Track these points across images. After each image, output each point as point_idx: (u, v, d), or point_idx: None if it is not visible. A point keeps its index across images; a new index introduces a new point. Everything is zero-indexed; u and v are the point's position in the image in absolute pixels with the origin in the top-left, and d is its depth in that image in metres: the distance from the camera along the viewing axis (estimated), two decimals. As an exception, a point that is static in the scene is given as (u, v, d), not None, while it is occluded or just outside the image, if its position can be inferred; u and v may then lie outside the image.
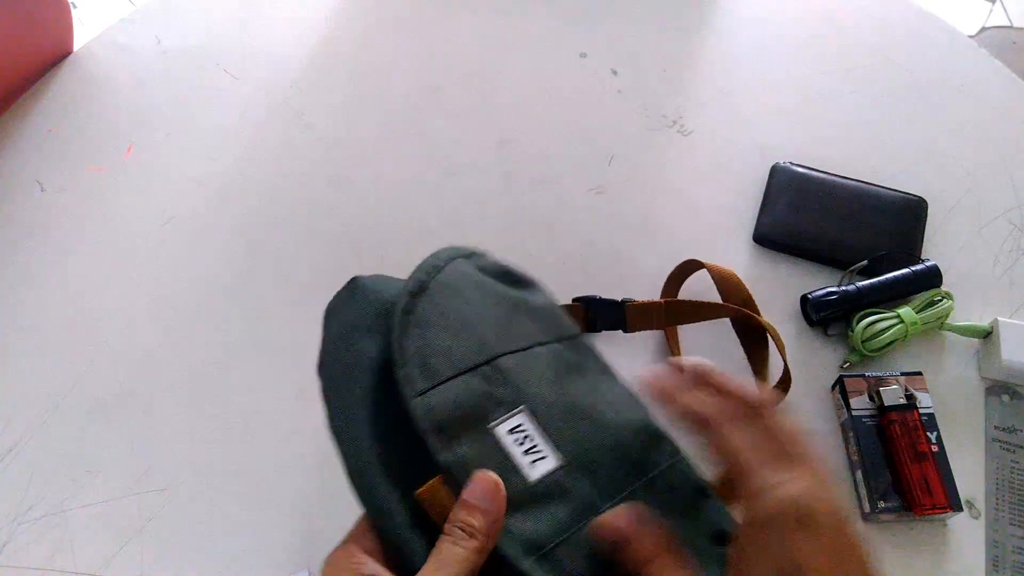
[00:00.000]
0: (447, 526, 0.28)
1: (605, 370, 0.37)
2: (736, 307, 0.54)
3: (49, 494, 0.52)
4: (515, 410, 0.32)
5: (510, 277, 0.40)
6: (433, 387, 0.31)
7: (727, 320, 0.56)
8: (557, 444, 0.32)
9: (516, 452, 0.31)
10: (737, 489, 0.28)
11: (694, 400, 0.31)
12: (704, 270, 0.56)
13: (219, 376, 0.57)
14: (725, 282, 0.55)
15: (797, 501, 0.26)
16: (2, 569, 0.49)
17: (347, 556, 0.29)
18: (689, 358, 0.34)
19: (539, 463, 0.31)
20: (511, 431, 0.31)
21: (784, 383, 0.52)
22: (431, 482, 0.29)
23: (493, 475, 0.29)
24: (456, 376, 0.32)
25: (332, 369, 0.35)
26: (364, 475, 0.30)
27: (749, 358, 0.55)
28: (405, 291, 0.34)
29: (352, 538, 0.30)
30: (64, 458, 0.53)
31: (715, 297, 0.55)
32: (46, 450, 0.54)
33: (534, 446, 0.31)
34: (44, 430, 0.54)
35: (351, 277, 0.38)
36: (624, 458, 0.32)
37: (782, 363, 0.53)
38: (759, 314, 0.54)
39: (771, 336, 0.53)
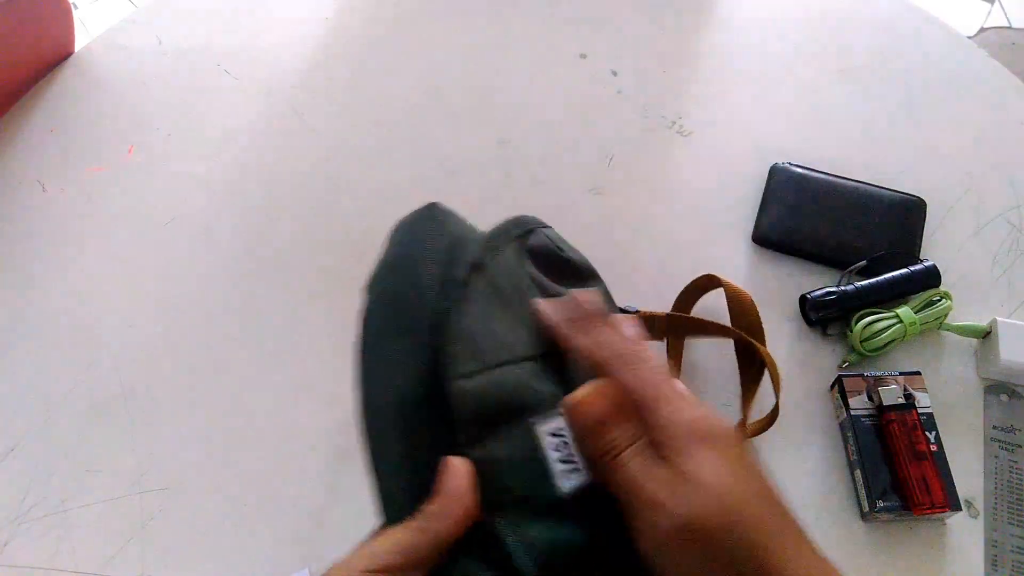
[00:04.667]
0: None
1: None
2: (738, 332, 0.53)
3: (50, 494, 0.52)
4: (558, 412, 0.29)
5: (566, 270, 0.37)
6: (479, 371, 0.28)
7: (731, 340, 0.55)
8: None
9: (553, 457, 0.28)
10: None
11: (587, 343, 0.30)
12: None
13: (220, 376, 0.57)
14: (737, 303, 0.54)
15: (696, 423, 0.26)
16: (3, 568, 0.49)
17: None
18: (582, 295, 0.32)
19: (573, 475, 0.28)
20: (553, 434, 0.28)
21: (771, 418, 0.51)
22: None
23: (461, 464, 0.27)
24: (504, 364, 0.29)
25: (386, 284, 0.32)
26: (383, 460, 0.29)
27: (742, 385, 0.54)
28: (466, 261, 0.32)
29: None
30: (65, 458, 0.53)
31: (727, 313, 0.55)
32: (47, 450, 0.54)
33: (570, 455, 0.28)
34: (45, 430, 0.55)
35: (429, 203, 0.35)
36: None
37: (774, 398, 0.51)
38: (764, 343, 0.53)
39: (768, 369, 0.52)
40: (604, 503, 0.27)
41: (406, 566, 0.26)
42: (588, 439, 0.27)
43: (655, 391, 0.27)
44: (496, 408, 0.28)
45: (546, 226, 0.38)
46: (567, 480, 0.27)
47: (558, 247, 0.38)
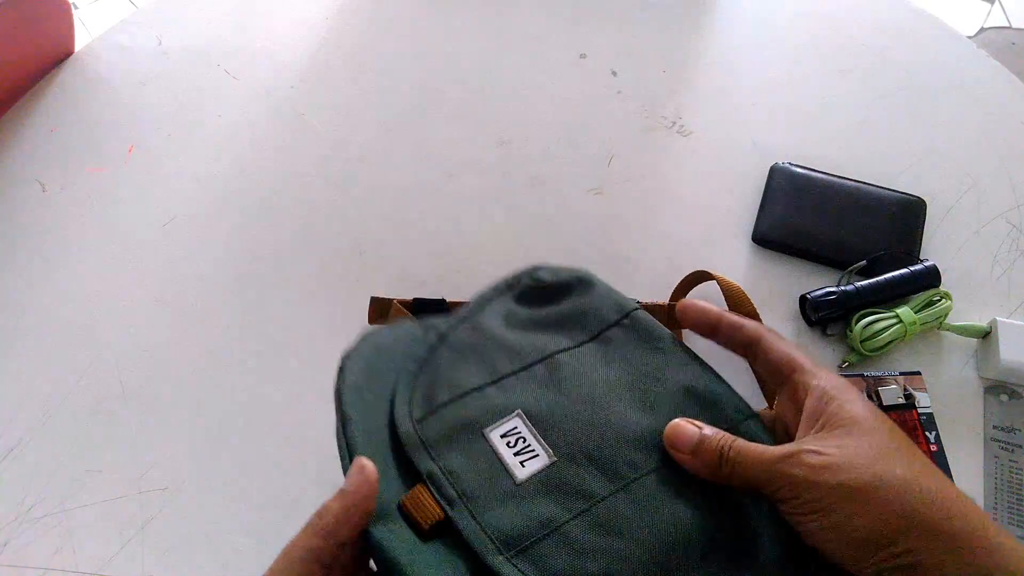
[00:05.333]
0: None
1: (656, 349, 0.37)
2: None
3: (50, 494, 0.52)
4: (509, 415, 0.33)
5: (547, 294, 0.41)
6: (431, 413, 0.34)
7: None
8: (550, 443, 0.32)
9: (506, 454, 0.32)
10: (787, 389, 0.33)
11: (736, 321, 0.35)
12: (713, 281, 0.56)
13: (220, 376, 0.57)
14: (731, 295, 0.55)
15: (839, 386, 0.30)
16: (4, 568, 0.49)
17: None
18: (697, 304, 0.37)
19: (529, 462, 0.32)
20: (504, 435, 0.33)
21: None
22: (413, 491, 0.31)
23: (363, 461, 0.30)
24: (456, 399, 0.35)
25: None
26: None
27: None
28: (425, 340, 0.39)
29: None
30: (65, 458, 0.53)
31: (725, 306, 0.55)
32: (47, 450, 0.54)
33: (527, 447, 0.32)
34: (45, 430, 0.55)
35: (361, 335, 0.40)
36: (638, 442, 0.32)
37: None
38: None
39: None
40: (562, 483, 0.31)
41: (337, 528, 0.28)
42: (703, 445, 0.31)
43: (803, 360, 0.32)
44: (445, 435, 0.33)
45: (538, 267, 0.43)
46: (522, 470, 0.31)
47: (537, 280, 0.42)
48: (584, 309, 0.40)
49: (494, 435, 0.33)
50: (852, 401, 0.29)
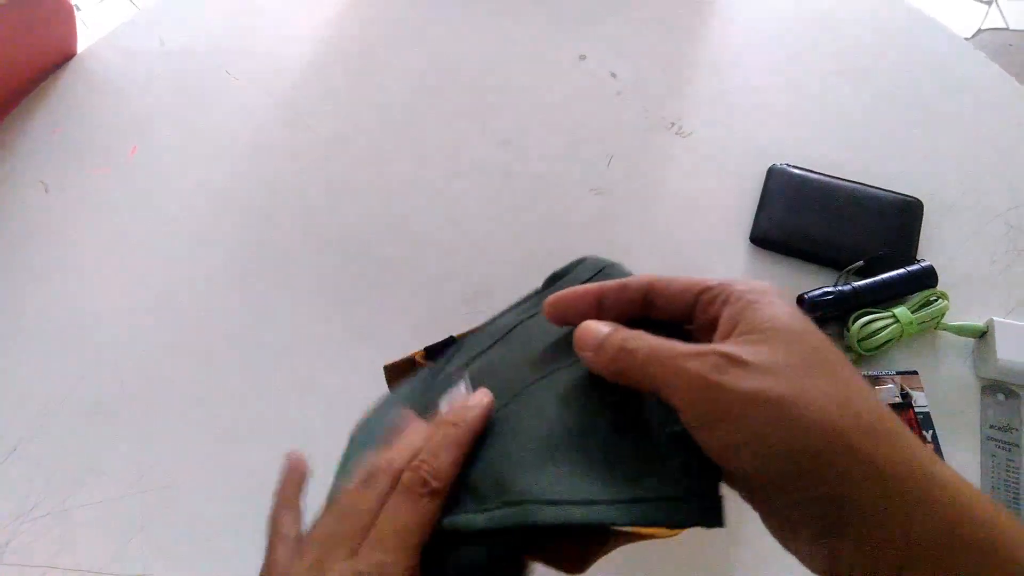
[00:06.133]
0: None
1: None
2: None
3: (52, 493, 0.52)
4: (458, 381, 0.34)
5: (554, 278, 0.40)
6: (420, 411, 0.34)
7: None
8: (476, 385, 0.32)
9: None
10: (698, 311, 0.27)
11: (616, 283, 0.29)
12: None
13: (220, 376, 0.57)
14: None
15: (758, 289, 0.25)
16: (6, 567, 0.49)
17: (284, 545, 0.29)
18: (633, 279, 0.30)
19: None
20: (451, 400, 0.33)
21: None
22: None
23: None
24: (434, 388, 0.36)
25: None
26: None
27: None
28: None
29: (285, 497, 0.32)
30: (66, 457, 0.54)
31: None
32: (49, 449, 0.54)
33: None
34: (47, 429, 0.55)
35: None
36: (532, 363, 0.31)
37: None
38: None
39: None
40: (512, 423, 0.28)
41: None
42: (585, 335, 0.27)
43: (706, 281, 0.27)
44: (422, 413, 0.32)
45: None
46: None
47: (559, 273, 0.40)
48: (566, 278, 0.38)
49: (442, 401, 0.34)
50: (774, 304, 0.24)
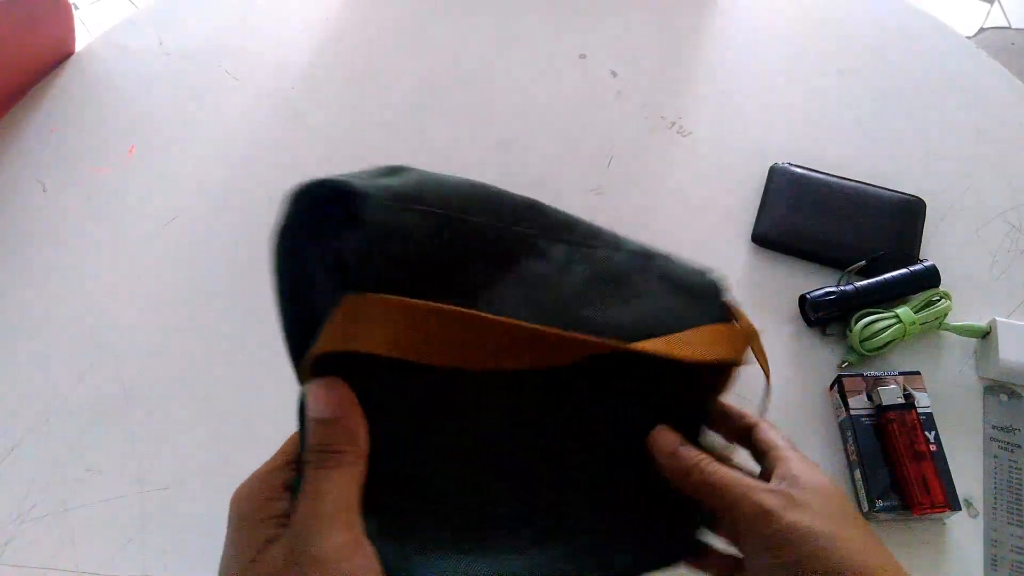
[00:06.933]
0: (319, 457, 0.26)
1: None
2: None
3: (51, 493, 0.52)
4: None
5: None
6: None
7: None
8: None
9: None
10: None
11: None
12: None
13: (220, 376, 0.57)
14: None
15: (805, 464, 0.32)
16: (5, 567, 0.49)
17: (261, 490, 0.28)
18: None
19: None
20: None
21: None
22: None
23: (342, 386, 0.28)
24: None
25: None
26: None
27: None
28: None
29: (267, 470, 0.29)
30: (66, 457, 0.53)
31: None
32: (48, 449, 0.54)
33: None
34: (46, 429, 0.55)
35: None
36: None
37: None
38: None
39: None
40: None
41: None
42: (672, 460, 0.32)
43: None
44: None
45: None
46: None
47: None
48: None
49: None
50: (816, 473, 0.32)
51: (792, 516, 0.29)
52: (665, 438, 0.33)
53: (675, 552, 0.34)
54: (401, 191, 0.27)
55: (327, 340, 0.25)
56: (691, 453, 0.32)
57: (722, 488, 0.31)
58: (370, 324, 0.25)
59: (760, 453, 0.35)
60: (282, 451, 0.30)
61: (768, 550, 0.29)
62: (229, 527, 0.28)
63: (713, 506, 0.31)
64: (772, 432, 0.36)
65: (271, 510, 0.26)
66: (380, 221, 0.26)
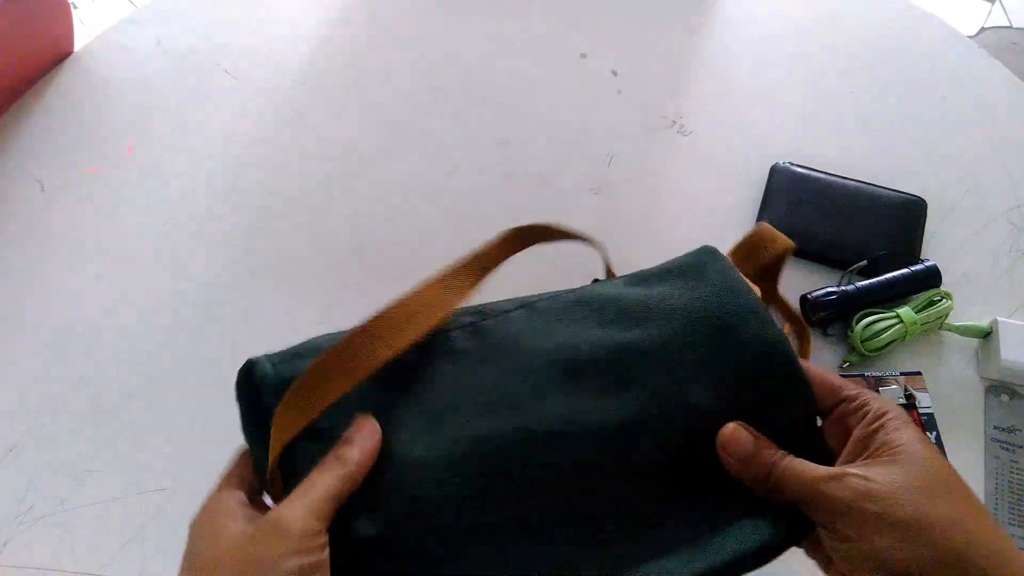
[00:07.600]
0: (324, 459, 0.30)
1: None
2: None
3: (50, 493, 0.52)
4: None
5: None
6: None
7: None
8: None
9: None
10: (834, 413, 0.32)
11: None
12: None
13: (219, 376, 0.57)
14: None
15: (890, 412, 0.30)
16: (3, 568, 0.49)
17: (221, 500, 0.31)
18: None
19: None
20: None
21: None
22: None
23: (372, 420, 0.32)
24: None
25: None
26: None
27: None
28: None
29: (228, 478, 0.33)
30: (65, 457, 0.53)
31: None
32: (47, 449, 0.54)
33: None
34: (45, 429, 0.54)
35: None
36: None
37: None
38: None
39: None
40: None
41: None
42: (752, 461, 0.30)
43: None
44: None
45: None
46: None
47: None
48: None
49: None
50: (902, 429, 0.29)
51: (867, 505, 0.26)
52: (736, 439, 0.31)
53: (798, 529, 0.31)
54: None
55: (278, 439, 0.33)
56: (763, 459, 0.30)
57: (796, 485, 0.29)
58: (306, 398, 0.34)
59: (863, 427, 0.31)
60: (228, 474, 0.34)
61: (845, 542, 0.27)
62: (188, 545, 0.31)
63: (791, 504, 0.29)
64: (819, 369, 0.33)
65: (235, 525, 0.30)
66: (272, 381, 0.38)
